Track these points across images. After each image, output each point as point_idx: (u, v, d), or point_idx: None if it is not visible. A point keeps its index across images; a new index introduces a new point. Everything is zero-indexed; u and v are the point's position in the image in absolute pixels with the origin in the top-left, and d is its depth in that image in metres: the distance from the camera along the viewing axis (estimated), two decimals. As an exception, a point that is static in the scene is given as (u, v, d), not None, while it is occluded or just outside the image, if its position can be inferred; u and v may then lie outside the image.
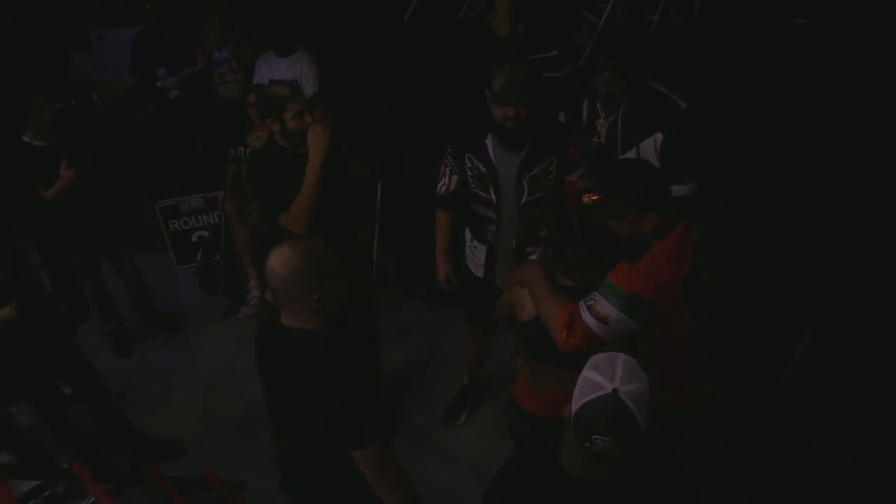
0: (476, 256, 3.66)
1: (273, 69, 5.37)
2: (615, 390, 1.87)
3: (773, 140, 4.04)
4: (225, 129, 5.20)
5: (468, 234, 3.69)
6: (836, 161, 3.82)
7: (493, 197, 3.41)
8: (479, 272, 3.67)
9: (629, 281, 2.53)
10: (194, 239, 5.46)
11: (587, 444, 1.89)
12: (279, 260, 2.26)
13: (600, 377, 1.91)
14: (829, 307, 3.83)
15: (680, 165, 3.47)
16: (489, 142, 3.35)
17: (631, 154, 3.48)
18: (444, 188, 3.60)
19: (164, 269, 5.47)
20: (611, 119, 3.59)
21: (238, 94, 5.51)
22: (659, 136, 3.46)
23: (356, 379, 2.31)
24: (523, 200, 3.37)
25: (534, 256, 2.86)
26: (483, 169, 3.39)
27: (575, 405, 1.93)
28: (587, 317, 2.54)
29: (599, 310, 2.53)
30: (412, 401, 4.42)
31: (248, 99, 4.90)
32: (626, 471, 1.95)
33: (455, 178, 3.53)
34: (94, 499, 3.24)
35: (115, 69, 6.24)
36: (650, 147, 3.45)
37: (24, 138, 4.26)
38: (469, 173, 3.44)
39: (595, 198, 2.71)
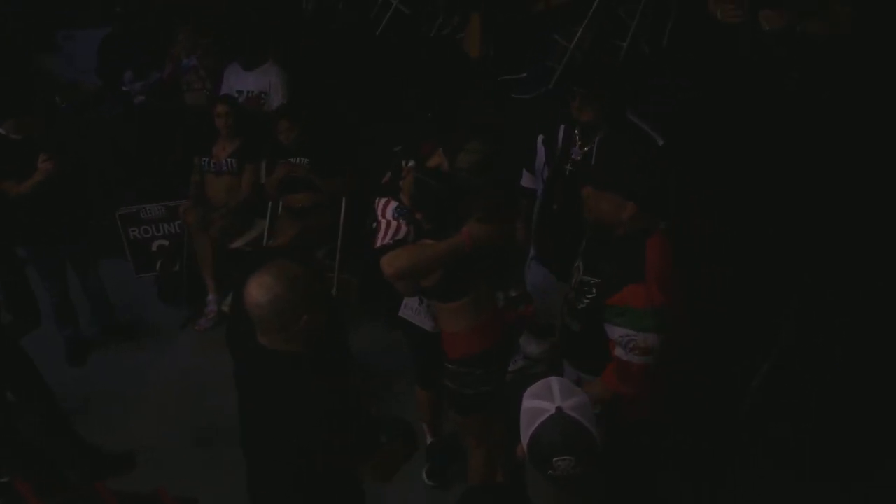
0: (429, 308, 3.41)
1: (241, 79, 5.35)
2: (559, 408, 1.89)
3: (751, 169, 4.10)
4: (191, 138, 5.15)
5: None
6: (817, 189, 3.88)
7: None
8: (429, 324, 3.44)
9: (649, 297, 2.60)
10: (154, 248, 5.37)
11: (550, 472, 1.88)
12: (260, 288, 2.20)
13: (540, 402, 1.92)
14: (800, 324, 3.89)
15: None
16: None
17: None
18: (398, 236, 3.21)
19: (122, 277, 5.37)
20: (586, 148, 3.55)
21: (205, 103, 5.47)
22: None
23: (343, 397, 2.30)
24: None
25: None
26: None
27: (525, 438, 1.93)
28: (635, 358, 2.64)
29: (643, 345, 2.62)
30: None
31: (217, 109, 4.86)
32: (593, 495, 1.95)
33: (410, 228, 3.21)
34: (36, 516, 3.17)
35: (82, 71, 6.15)
36: None
37: None
38: None
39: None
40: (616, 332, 2.68)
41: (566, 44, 5.32)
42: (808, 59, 3.61)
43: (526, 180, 3.93)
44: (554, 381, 1.98)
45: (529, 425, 1.92)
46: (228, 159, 4.91)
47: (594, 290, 2.79)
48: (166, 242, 5.36)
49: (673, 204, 2.95)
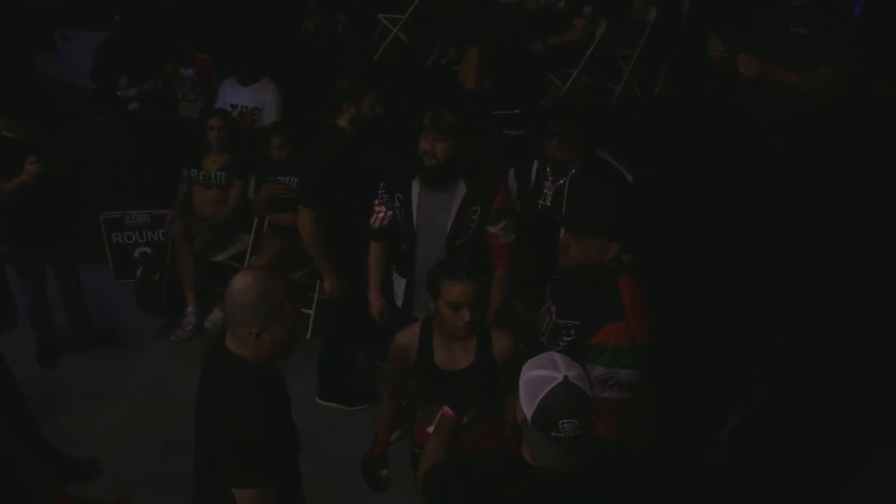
0: (397, 288, 3.79)
1: (236, 94, 5.39)
2: (566, 377, 2.06)
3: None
4: (181, 148, 5.17)
5: (393, 268, 3.81)
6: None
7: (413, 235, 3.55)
8: (399, 301, 3.78)
9: (629, 335, 2.67)
10: (136, 255, 5.35)
11: (553, 434, 2.05)
12: (241, 284, 2.29)
13: (547, 371, 2.10)
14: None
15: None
16: (416, 183, 3.48)
17: None
18: (379, 221, 3.65)
19: (101, 282, 5.35)
20: (558, 183, 3.68)
21: (198, 115, 5.49)
22: None
23: (270, 417, 2.33)
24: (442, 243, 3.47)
25: None
26: (407, 208, 3.52)
27: (531, 404, 2.08)
28: (613, 394, 2.70)
29: (622, 380, 2.69)
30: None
31: (210, 122, 4.89)
32: (590, 451, 2.16)
33: (390, 213, 3.62)
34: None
35: (79, 73, 6.16)
36: None
37: None
38: (397, 211, 3.57)
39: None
40: (595, 370, 2.70)
41: (560, 84, 5.40)
42: (782, 113, 3.55)
43: None
44: (555, 355, 2.17)
45: (537, 392, 2.08)
46: (218, 173, 4.92)
47: (572, 333, 2.83)
48: (148, 250, 5.35)
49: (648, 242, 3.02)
